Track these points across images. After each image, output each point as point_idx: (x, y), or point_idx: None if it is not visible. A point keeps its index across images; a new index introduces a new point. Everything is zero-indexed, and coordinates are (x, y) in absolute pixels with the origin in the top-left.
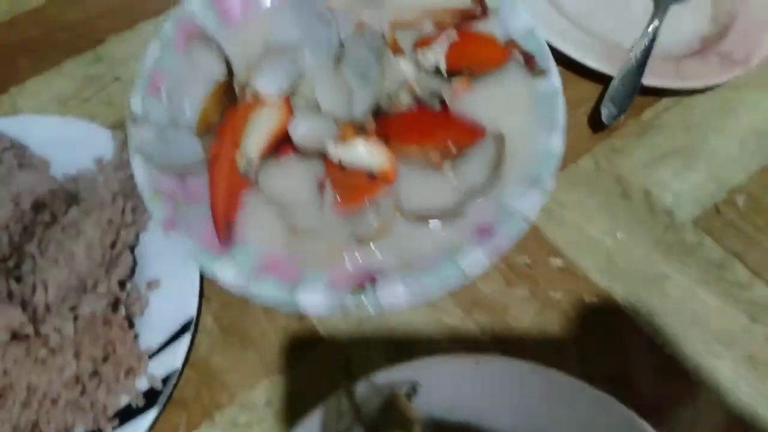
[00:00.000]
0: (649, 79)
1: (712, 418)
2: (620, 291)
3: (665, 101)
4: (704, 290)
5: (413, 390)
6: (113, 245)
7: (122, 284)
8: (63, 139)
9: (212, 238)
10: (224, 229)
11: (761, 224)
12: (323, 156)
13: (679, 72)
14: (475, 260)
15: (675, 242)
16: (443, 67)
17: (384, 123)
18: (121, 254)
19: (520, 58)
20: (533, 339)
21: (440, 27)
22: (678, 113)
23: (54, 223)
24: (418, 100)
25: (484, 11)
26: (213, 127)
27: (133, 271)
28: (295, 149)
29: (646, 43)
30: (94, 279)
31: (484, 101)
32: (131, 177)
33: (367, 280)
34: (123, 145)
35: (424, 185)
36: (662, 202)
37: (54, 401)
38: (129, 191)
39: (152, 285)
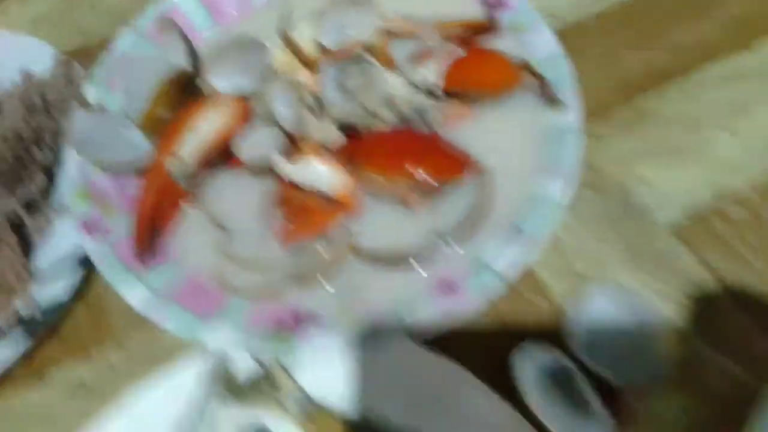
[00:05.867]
0: None
1: None
2: (559, 290)
3: (671, 91)
4: (666, 307)
5: (294, 363)
6: (21, 160)
7: (29, 206)
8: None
9: (131, 252)
10: (144, 242)
11: (755, 244)
12: (276, 175)
13: None
14: (428, 319)
15: (644, 248)
16: (438, 85)
17: (356, 143)
18: (31, 173)
19: (535, 85)
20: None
21: (445, 40)
22: (681, 105)
23: None
24: (403, 120)
25: (493, 27)
26: (161, 125)
27: (46, 195)
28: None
29: None
30: None
31: (481, 130)
32: (63, 100)
33: (292, 324)
34: (63, 66)
35: (387, 222)
36: (638, 201)
37: None
38: (56, 114)
39: (61, 211)
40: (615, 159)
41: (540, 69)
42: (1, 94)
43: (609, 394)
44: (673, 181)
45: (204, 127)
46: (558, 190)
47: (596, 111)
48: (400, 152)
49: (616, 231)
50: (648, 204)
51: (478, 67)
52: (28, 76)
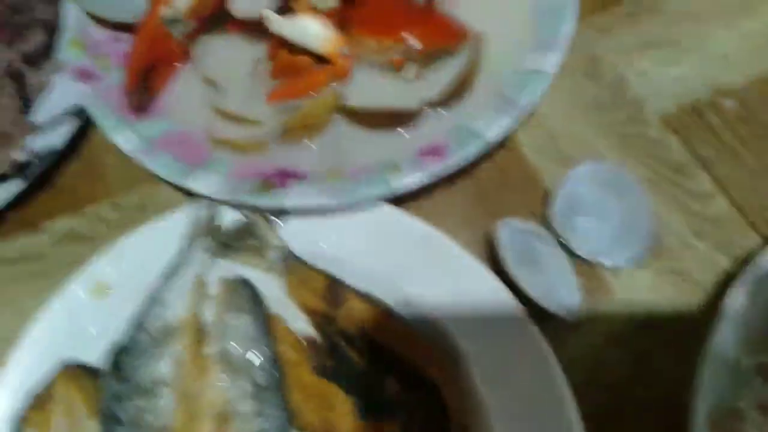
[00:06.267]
0: None
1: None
2: (544, 168)
3: None
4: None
5: (278, 218)
6: (19, 11)
7: (29, 59)
8: None
9: (124, 102)
10: (136, 91)
11: (745, 135)
12: (269, 38)
13: None
14: (411, 181)
15: (634, 135)
16: None
17: (349, 7)
18: (29, 27)
19: None
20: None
21: None
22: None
23: None
24: None
25: None
26: None
27: (46, 51)
28: (240, 26)
29: None
30: None
31: (477, 1)
32: None
33: (277, 178)
34: None
35: (377, 85)
36: (634, 91)
37: None
38: None
39: (59, 67)
40: (615, 49)
41: None
42: None
43: (585, 269)
44: (670, 73)
45: None
46: (547, 61)
47: (600, 3)
48: (394, 18)
49: (607, 117)
50: (642, 94)
51: None
52: None
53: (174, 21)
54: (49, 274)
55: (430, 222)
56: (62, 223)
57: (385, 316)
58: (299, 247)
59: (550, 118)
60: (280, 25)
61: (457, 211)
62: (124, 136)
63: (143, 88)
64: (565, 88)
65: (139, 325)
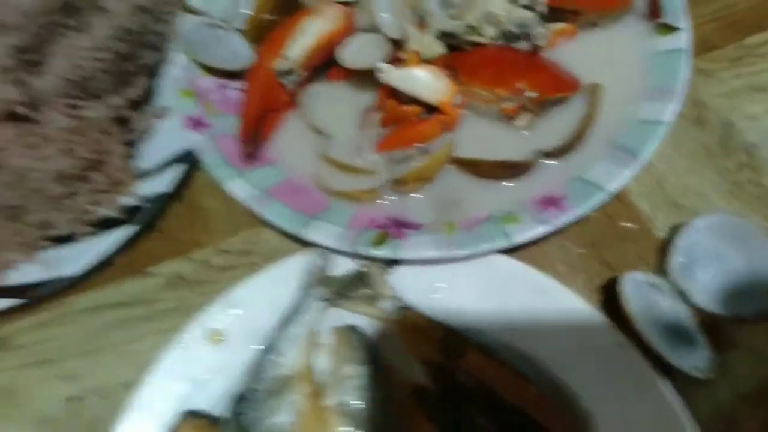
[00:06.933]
0: None
1: None
2: (657, 219)
3: None
4: None
5: (389, 267)
6: (128, 59)
7: (134, 105)
8: None
9: (236, 150)
10: (249, 141)
11: None
12: (377, 86)
13: None
14: (533, 234)
15: (747, 182)
16: (544, 3)
17: (456, 55)
18: (137, 74)
19: (644, 7)
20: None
21: None
22: None
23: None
24: (504, 36)
25: None
26: (264, 30)
27: (148, 97)
28: (346, 75)
29: None
30: (101, 87)
31: (586, 51)
32: (169, 3)
33: (393, 229)
34: None
35: (487, 134)
36: (743, 137)
37: (38, 191)
38: (162, 16)
39: (162, 113)
40: (720, 94)
41: None
42: None
43: (708, 322)
44: None
45: (310, 31)
46: (665, 111)
47: (704, 46)
48: (505, 67)
49: (717, 164)
50: (753, 140)
51: None
52: None
53: (287, 72)
54: (157, 319)
55: (540, 268)
56: (168, 268)
57: (506, 372)
58: (411, 296)
59: (657, 164)
60: (394, 76)
61: (567, 257)
62: (237, 185)
63: (255, 137)
64: (670, 133)
65: (255, 373)
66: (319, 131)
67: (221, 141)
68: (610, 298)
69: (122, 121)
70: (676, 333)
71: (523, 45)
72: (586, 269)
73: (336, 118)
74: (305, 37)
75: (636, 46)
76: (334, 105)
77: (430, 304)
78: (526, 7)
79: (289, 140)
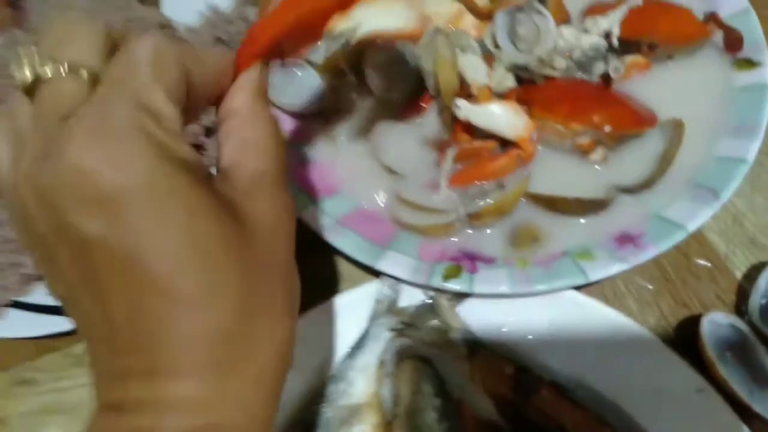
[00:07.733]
0: None
1: None
2: (740, 259)
3: None
4: None
5: (459, 298)
6: None
7: (208, 132)
8: None
9: (306, 180)
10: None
11: None
12: (450, 122)
13: None
14: (610, 272)
15: None
16: (616, 34)
17: (528, 89)
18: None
19: (721, 40)
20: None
21: None
22: None
23: None
24: (578, 65)
25: None
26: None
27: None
28: (422, 110)
29: None
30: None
31: (661, 85)
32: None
33: (466, 262)
34: (242, 3)
35: (561, 168)
36: None
37: None
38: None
39: None
40: None
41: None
42: (189, 28)
43: None
44: None
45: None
46: (749, 149)
47: None
48: (582, 102)
49: None
50: None
51: (658, 19)
52: (215, 11)
53: None
54: None
55: (611, 304)
56: None
57: (581, 412)
58: (480, 329)
59: (733, 200)
60: (473, 112)
61: (639, 294)
62: (309, 213)
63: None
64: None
65: (325, 401)
66: (391, 171)
67: (293, 169)
68: (684, 339)
69: (197, 148)
70: (756, 378)
71: (594, 77)
72: (659, 307)
73: (406, 156)
74: None
75: (714, 81)
76: (404, 142)
77: (500, 338)
78: (602, 42)
79: (360, 174)
